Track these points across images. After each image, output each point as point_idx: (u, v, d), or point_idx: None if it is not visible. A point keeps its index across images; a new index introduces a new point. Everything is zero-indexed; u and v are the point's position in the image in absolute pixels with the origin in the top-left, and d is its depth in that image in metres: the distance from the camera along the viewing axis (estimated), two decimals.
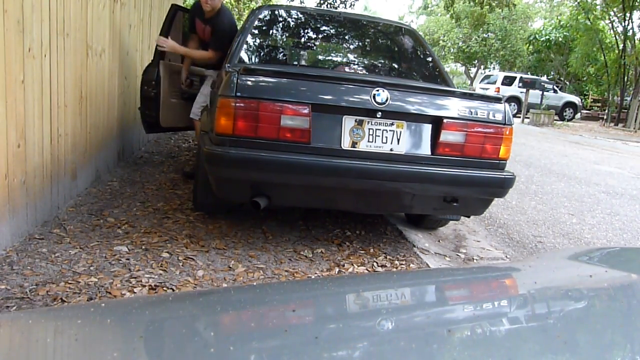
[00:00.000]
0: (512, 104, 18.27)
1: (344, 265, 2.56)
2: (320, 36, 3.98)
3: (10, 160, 2.20)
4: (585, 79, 24.50)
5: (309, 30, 3.92)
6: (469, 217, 3.26)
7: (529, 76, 21.55)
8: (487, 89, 19.17)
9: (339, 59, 3.91)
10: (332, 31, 3.95)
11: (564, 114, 19.96)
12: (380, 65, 3.87)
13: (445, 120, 2.45)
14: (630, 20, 17.48)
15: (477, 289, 0.86)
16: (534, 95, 18.24)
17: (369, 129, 2.40)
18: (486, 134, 2.50)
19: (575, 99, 20.91)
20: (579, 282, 0.86)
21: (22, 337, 0.61)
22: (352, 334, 0.62)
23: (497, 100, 2.61)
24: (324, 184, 2.42)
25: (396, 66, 3.86)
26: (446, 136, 2.46)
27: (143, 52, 4.87)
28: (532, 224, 3.88)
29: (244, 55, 3.31)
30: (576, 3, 19.78)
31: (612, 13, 18.35)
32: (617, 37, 18.54)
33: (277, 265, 2.47)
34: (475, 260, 2.94)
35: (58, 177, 2.79)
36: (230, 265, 2.39)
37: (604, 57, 19.34)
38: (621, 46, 17.95)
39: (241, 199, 2.54)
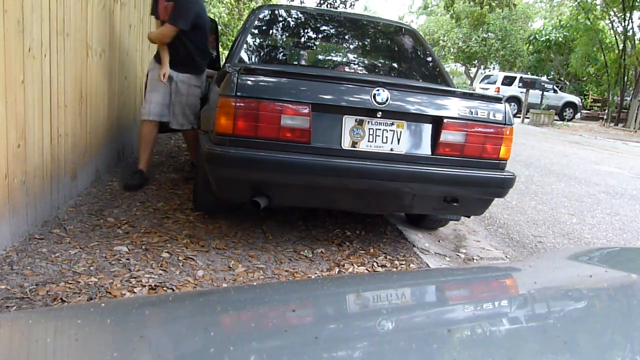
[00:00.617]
0: (512, 104, 18.27)
1: (344, 265, 2.56)
2: (320, 36, 3.98)
3: (10, 160, 2.20)
4: (585, 79, 24.50)
5: (309, 30, 3.92)
6: (469, 217, 3.26)
7: (529, 76, 21.56)
8: (487, 89, 19.17)
9: (339, 59, 3.91)
10: (332, 31, 3.95)
11: (564, 114, 19.96)
12: (380, 65, 3.87)
13: (445, 120, 2.45)
14: (630, 20, 17.48)
15: (477, 289, 0.86)
16: (534, 95, 18.25)
17: (369, 128, 2.40)
18: (486, 134, 2.50)
19: (575, 99, 20.91)
20: (579, 282, 0.86)
21: (22, 337, 0.61)
22: (352, 334, 0.62)
23: (498, 100, 2.61)
24: (324, 183, 2.42)
25: (396, 66, 3.86)
26: (446, 136, 2.46)
27: (143, 52, 4.87)
28: (532, 224, 3.88)
29: (244, 55, 3.31)
30: (576, 3, 19.77)
31: (612, 13, 18.35)
32: (617, 37, 18.54)
33: (277, 265, 2.47)
34: (475, 260, 2.93)
35: (58, 177, 2.79)
36: (230, 265, 2.39)
37: (604, 57, 19.34)
38: (621, 46, 17.95)
39: (241, 198, 2.54)
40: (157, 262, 2.33)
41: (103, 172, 3.74)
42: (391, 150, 2.43)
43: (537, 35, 24.26)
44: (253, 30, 3.47)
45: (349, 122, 2.39)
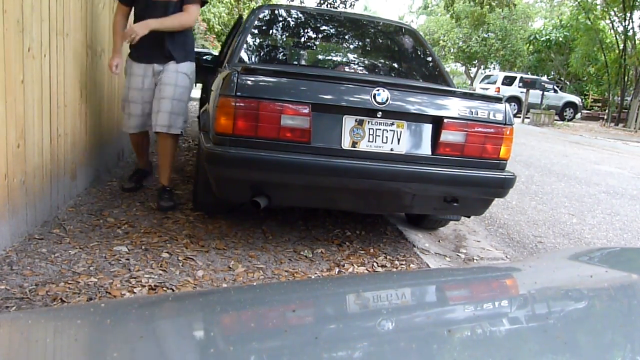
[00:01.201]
0: (512, 104, 18.27)
1: (344, 265, 2.56)
2: (320, 36, 3.98)
3: (10, 160, 2.20)
4: (585, 79, 24.51)
5: (309, 30, 3.92)
6: (469, 217, 3.26)
7: (529, 76, 21.56)
8: (487, 89, 19.17)
9: (339, 59, 3.91)
10: (332, 31, 3.95)
11: (564, 114, 19.96)
12: (380, 65, 3.86)
13: (445, 120, 2.45)
14: (630, 20, 17.48)
15: (477, 289, 0.86)
16: (534, 95, 18.25)
17: (369, 128, 2.40)
18: (487, 134, 2.50)
19: (576, 99, 20.92)
20: (579, 282, 0.86)
21: (22, 337, 0.61)
22: (352, 334, 0.62)
23: (498, 100, 2.61)
24: (324, 183, 2.42)
25: (396, 66, 3.86)
26: (446, 136, 2.46)
27: None
28: (532, 224, 3.88)
29: (244, 55, 3.31)
30: (576, 3, 19.77)
31: (612, 13, 18.35)
32: (617, 37, 18.54)
33: (277, 265, 2.47)
34: (475, 260, 2.93)
35: (58, 177, 2.79)
36: (230, 265, 2.39)
37: (604, 57, 19.34)
38: (621, 46, 17.95)
39: (241, 198, 2.54)
40: (157, 262, 2.33)
41: (103, 172, 3.74)
42: (391, 150, 2.43)
43: (537, 35, 24.27)
44: (253, 30, 3.47)
45: (349, 122, 2.39)
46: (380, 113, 2.38)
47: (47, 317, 0.69)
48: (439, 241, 3.20)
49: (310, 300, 0.74)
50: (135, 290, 2.04)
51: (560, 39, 22.91)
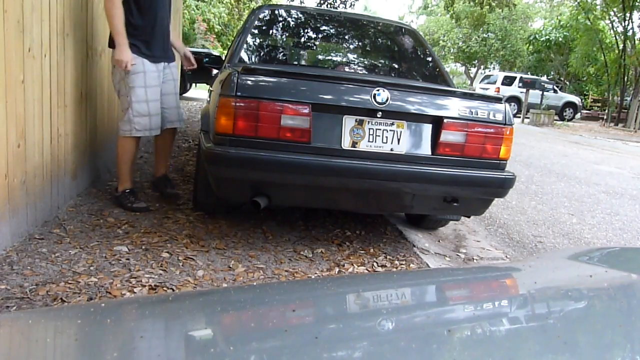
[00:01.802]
0: (512, 104, 18.28)
1: (344, 265, 2.56)
2: (320, 36, 3.98)
3: (10, 160, 2.20)
4: (585, 79, 24.52)
5: (309, 30, 3.92)
6: (469, 217, 3.26)
7: (529, 76, 21.57)
8: (487, 89, 19.17)
9: (339, 59, 3.91)
10: (332, 31, 3.95)
11: (564, 114, 19.97)
12: (380, 65, 3.86)
13: (445, 120, 2.45)
14: (630, 20, 17.49)
15: (477, 289, 0.86)
16: (534, 95, 18.25)
17: (369, 128, 2.40)
18: (486, 134, 2.50)
19: (575, 99, 20.92)
20: (579, 282, 0.86)
21: (22, 337, 0.61)
22: (352, 334, 0.62)
23: (498, 100, 2.61)
24: (324, 183, 2.42)
25: (396, 66, 3.86)
26: (446, 136, 2.46)
27: None
28: (532, 224, 3.88)
29: (244, 55, 3.31)
30: (576, 3, 19.77)
31: (612, 13, 18.35)
32: (617, 37, 18.55)
33: (277, 265, 2.47)
34: (475, 260, 2.93)
35: (58, 177, 2.79)
36: (230, 265, 2.39)
37: (604, 57, 19.34)
38: (621, 46, 17.96)
39: (241, 198, 2.54)
40: (157, 262, 2.33)
41: (103, 172, 3.74)
42: (391, 150, 2.43)
43: (537, 35, 24.27)
44: (253, 30, 3.47)
45: (349, 122, 2.39)
46: (380, 113, 2.38)
47: (48, 316, 0.69)
48: (439, 241, 3.20)
49: (310, 300, 0.74)
50: (135, 290, 2.04)
51: (560, 39, 22.91)
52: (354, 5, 14.16)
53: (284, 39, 3.87)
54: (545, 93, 18.10)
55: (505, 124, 2.51)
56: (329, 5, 13.36)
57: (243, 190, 2.43)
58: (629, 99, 18.56)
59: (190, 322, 0.65)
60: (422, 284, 0.87)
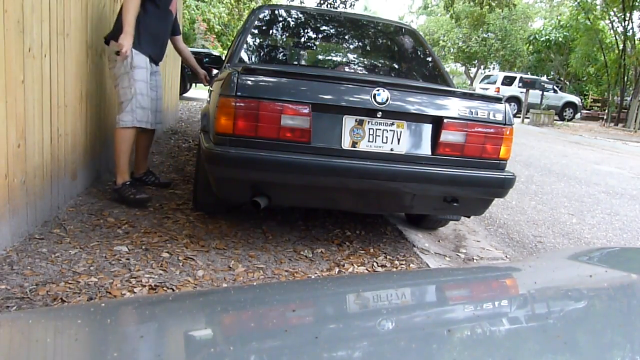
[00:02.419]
0: (512, 104, 18.28)
1: (344, 265, 2.56)
2: (320, 36, 3.98)
3: (10, 160, 2.20)
4: (585, 79, 24.52)
5: (309, 30, 3.92)
6: (469, 217, 3.26)
7: (529, 76, 21.57)
8: (487, 89, 19.18)
9: (339, 59, 3.91)
10: (332, 31, 3.95)
11: (564, 114, 19.97)
12: (380, 65, 3.87)
13: (445, 120, 2.45)
14: (630, 20, 17.50)
15: (477, 289, 0.86)
16: (534, 95, 18.25)
17: (369, 128, 2.40)
18: (486, 134, 2.50)
19: (575, 99, 20.92)
20: (579, 282, 0.86)
21: (22, 337, 0.61)
22: (352, 334, 0.62)
23: (498, 100, 2.61)
24: (324, 184, 2.42)
25: (396, 66, 3.86)
26: (446, 136, 2.46)
27: None
28: (532, 224, 3.88)
29: (244, 55, 3.31)
30: (576, 3, 19.77)
31: (612, 13, 18.35)
32: (617, 37, 18.55)
33: (277, 265, 2.47)
34: (475, 260, 2.93)
35: (58, 177, 2.79)
36: (230, 265, 2.39)
37: (604, 57, 19.35)
38: (621, 46, 17.96)
39: (241, 198, 2.54)
40: (157, 262, 2.33)
41: (103, 172, 3.74)
42: (391, 150, 2.43)
43: (537, 35, 24.28)
44: (253, 30, 3.47)
45: (349, 122, 2.39)
46: (380, 113, 2.38)
47: (48, 316, 0.69)
48: (438, 241, 3.20)
49: (310, 300, 0.74)
50: (135, 290, 2.04)
51: (560, 39, 22.91)
52: (354, 5, 14.16)
53: (284, 39, 3.87)
54: (545, 93, 18.10)
55: (505, 124, 2.51)
56: (329, 5, 13.36)
57: (243, 190, 2.43)
58: (629, 99, 18.56)
59: (190, 322, 0.65)
60: (422, 284, 0.87)
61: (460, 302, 0.79)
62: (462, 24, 26.83)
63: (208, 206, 3.03)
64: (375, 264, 2.64)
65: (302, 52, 3.98)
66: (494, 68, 30.16)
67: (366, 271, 2.53)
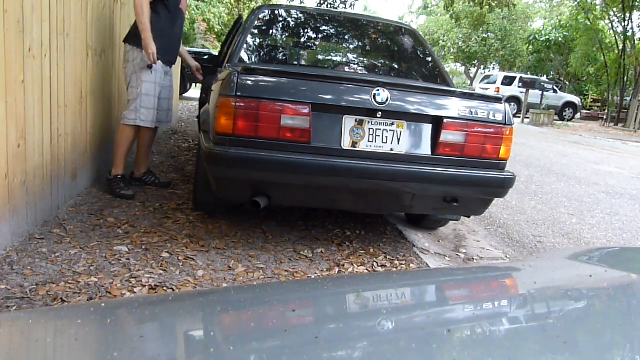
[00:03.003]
0: (512, 104, 18.27)
1: (344, 265, 2.56)
2: (320, 36, 3.98)
3: (11, 160, 2.20)
4: (585, 79, 24.52)
5: (309, 30, 3.92)
6: (469, 217, 3.26)
7: (529, 76, 21.57)
8: (487, 89, 19.17)
9: (339, 59, 3.91)
10: (332, 31, 3.95)
11: (564, 114, 19.97)
12: (380, 65, 3.87)
13: (445, 120, 2.45)
14: (630, 21, 17.50)
15: (477, 289, 0.86)
16: (534, 95, 18.25)
17: (369, 128, 2.40)
18: (486, 134, 2.50)
19: (575, 99, 20.92)
20: (579, 282, 0.86)
21: (22, 337, 0.61)
22: (352, 334, 0.62)
23: (498, 100, 2.61)
24: (324, 183, 2.42)
25: (396, 66, 3.86)
26: (446, 136, 2.46)
27: None
28: (532, 224, 3.88)
29: (244, 55, 3.31)
30: (576, 3, 19.78)
31: (612, 13, 18.35)
32: (617, 37, 18.55)
33: (277, 265, 2.47)
34: (475, 260, 2.93)
35: (58, 177, 2.79)
36: (230, 265, 2.39)
37: (604, 57, 19.34)
38: (621, 46, 17.96)
39: (241, 198, 2.54)
40: (157, 262, 2.33)
41: (103, 172, 3.74)
42: (391, 150, 2.43)
43: (537, 35, 24.28)
44: (253, 30, 3.47)
45: (349, 122, 2.39)
46: (380, 113, 2.38)
47: (48, 316, 0.69)
48: (438, 241, 3.21)
49: (310, 300, 0.74)
50: (135, 290, 2.04)
51: (560, 39, 22.91)
52: (354, 5, 14.14)
53: (284, 39, 3.87)
54: (545, 93, 18.10)
55: (505, 124, 2.51)
56: (329, 5, 13.35)
57: (243, 190, 2.43)
58: (628, 99, 18.56)
59: (190, 322, 0.65)
60: (422, 284, 0.87)
61: (460, 302, 0.79)
62: (462, 24, 26.83)
63: (208, 206, 3.02)
64: (375, 264, 2.64)
65: (302, 52, 3.98)
66: (494, 68, 30.16)
67: (366, 271, 2.53)
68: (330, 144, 2.38)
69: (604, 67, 19.69)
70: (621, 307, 0.77)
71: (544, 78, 23.66)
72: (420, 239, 3.13)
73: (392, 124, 2.42)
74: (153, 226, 2.79)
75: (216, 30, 17.22)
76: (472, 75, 32.32)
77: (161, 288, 2.08)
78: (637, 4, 17.11)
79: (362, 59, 3.90)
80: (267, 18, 3.71)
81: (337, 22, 4.02)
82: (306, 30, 3.90)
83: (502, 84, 19.69)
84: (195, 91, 14.26)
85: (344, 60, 3.87)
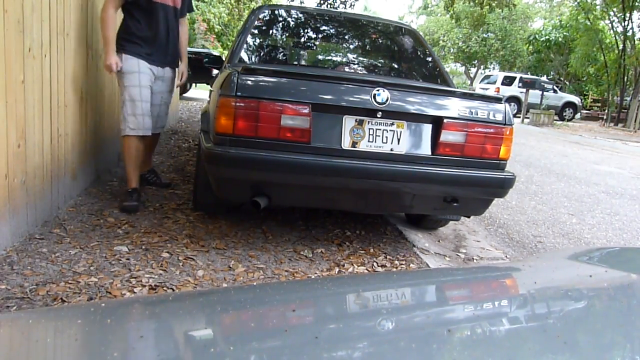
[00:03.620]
0: (512, 104, 18.27)
1: (344, 265, 2.56)
2: (320, 36, 3.98)
3: (11, 160, 2.20)
4: (585, 79, 24.51)
5: (309, 30, 3.92)
6: (469, 217, 3.26)
7: (529, 76, 21.57)
8: (487, 89, 19.18)
9: (339, 59, 3.91)
10: (332, 31, 3.95)
11: (564, 114, 19.97)
12: (380, 65, 3.87)
13: (445, 120, 2.45)
14: (630, 21, 17.49)
15: (477, 289, 0.86)
16: (534, 95, 18.25)
17: (369, 128, 2.40)
18: (486, 134, 2.50)
19: (575, 99, 20.92)
20: (579, 282, 0.86)
21: (22, 337, 0.61)
22: (352, 334, 0.62)
23: (498, 100, 2.61)
24: (324, 183, 2.42)
25: (396, 66, 3.86)
26: (446, 136, 2.46)
27: None
28: (532, 224, 3.88)
29: (244, 55, 3.31)
30: (576, 3, 19.78)
31: (612, 13, 18.35)
32: (617, 37, 18.55)
33: (277, 265, 2.47)
34: (475, 260, 2.93)
35: (58, 177, 2.79)
36: (230, 265, 2.39)
37: (604, 57, 19.34)
38: (621, 46, 17.96)
39: (241, 198, 2.54)
40: (157, 262, 2.33)
41: (103, 172, 3.74)
42: (391, 150, 2.43)
43: (537, 35, 24.28)
44: (253, 30, 3.47)
45: (349, 122, 2.39)
46: (380, 113, 2.38)
47: (48, 316, 0.69)
48: (438, 241, 3.20)
49: (310, 300, 0.74)
50: (135, 290, 2.04)
51: (560, 39, 22.91)
52: (354, 5, 14.14)
53: (284, 39, 3.87)
54: (545, 93, 18.10)
55: (505, 124, 2.51)
56: (329, 5, 13.35)
57: (243, 190, 2.43)
58: (628, 99, 18.55)
59: (190, 322, 0.65)
60: (422, 284, 0.87)
61: (460, 302, 0.79)
62: (462, 24, 26.82)
63: (208, 206, 3.02)
64: (375, 264, 2.64)
65: (302, 52, 3.98)
66: (494, 68, 30.15)
67: (366, 271, 2.53)
68: (330, 144, 2.38)
69: (604, 67, 19.68)
70: (621, 307, 0.77)
71: (544, 78, 23.66)
72: (420, 239, 3.13)
73: (392, 124, 2.42)
74: (153, 226, 2.79)
75: (216, 30, 17.21)
76: (472, 75, 32.32)
77: (161, 288, 2.08)
78: (637, 4, 17.11)
79: (362, 59, 3.90)
80: (267, 18, 3.71)
81: (337, 22, 4.02)
82: (306, 30, 3.91)
83: (502, 84, 19.70)
84: (195, 91, 14.27)
85: (344, 60, 3.87)
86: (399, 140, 2.43)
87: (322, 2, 13.43)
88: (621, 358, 0.60)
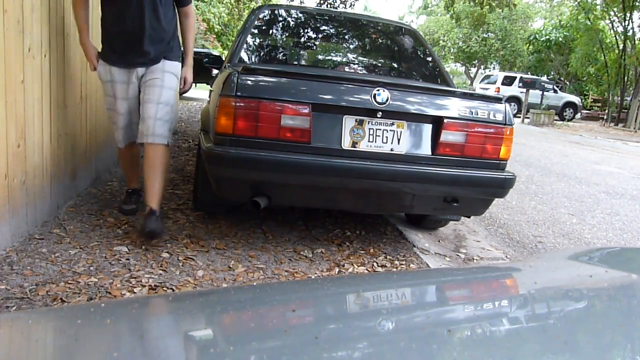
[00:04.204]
0: (512, 104, 18.27)
1: (344, 265, 2.56)
2: (320, 36, 3.98)
3: (10, 160, 2.20)
4: (585, 79, 24.52)
5: (309, 30, 3.92)
6: (469, 217, 3.26)
7: (529, 76, 21.57)
8: (487, 89, 19.18)
9: (339, 59, 3.91)
10: (333, 31, 3.95)
11: (564, 114, 19.97)
12: (380, 65, 3.87)
13: (445, 120, 2.45)
14: (630, 20, 17.50)
15: (477, 289, 0.86)
16: (534, 95, 18.26)
17: (370, 128, 2.40)
18: (487, 134, 2.50)
19: (575, 99, 20.93)
20: (579, 282, 0.86)
21: (22, 337, 0.61)
22: (352, 334, 0.62)
23: (498, 100, 2.61)
24: (324, 183, 2.42)
25: (396, 66, 3.86)
26: (446, 136, 2.46)
27: None
28: (532, 224, 3.88)
29: (244, 55, 3.31)
30: (576, 3, 19.78)
31: (612, 13, 18.36)
32: (617, 37, 18.55)
33: (277, 265, 2.47)
34: (475, 260, 2.93)
35: (58, 177, 2.79)
36: (230, 265, 2.39)
37: (604, 57, 19.35)
38: (621, 46, 17.96)
39: (241, 198, 2.54)
40: (157, 262, 2.33)
41: (103, 172, 3.74)
42: (391, 150, 2.43)
43: (537, 35, 24.28)
44: (253, 30, 3.47)
45: (349, 122, 2.39)
46: (380, 113, 2.38)
47: (47, 317, 0.69)
48: (439, 241, 3.20)
49: (310, 300, 0.74)
50: (135, 290, 2.04)
51: (560, 39, 22.91)
52: (354, 5, 14.14)
53: (284, 39, 3.87)
54: (545, 93, 18.11)
55: (505, 124, 2.51)
56: (329, 5, 13.35)
57: (243, 190, 2.43)
58: (629, 99, 18.55)
59: (190, 322, 0.65)
60: (422, 284, 0.87)
61: (460, 302, 0.79)
62: (462, 24, 26.83)
63: (208, 206, 3.02)
64: (375, 264, 2.64)
65: (302, 52, 3.98)
66: (494, 68, 30.16)
67: (366, 271, 2.53)
68: (330, 144, 2.38)
69: (604, 67, 19.69)
70: (621, 307, 0.77)
71: (544, 78, 23.67)
72: (420, 239, 3.13)
73: (392, 124, 2.42)
74: None
75: (216, 30, 17.23)
76: (472, 75, 32.32)
77: (161, 288, 2.08)
78: (637, 4, 17.11)
79: (362, 58, 3.90)
80: (267, 18, 3.71)
81: (337, 22, 4.02)
82: (306, 30, 3.90)
83: (502, 84, 19.70)
84: (195, 91, 14.26)
85: (344, 60, 3.87)
86: (399, 140, 2.43)
87: (322, 2, 13.42)
88: (621, 358, 0.60)
